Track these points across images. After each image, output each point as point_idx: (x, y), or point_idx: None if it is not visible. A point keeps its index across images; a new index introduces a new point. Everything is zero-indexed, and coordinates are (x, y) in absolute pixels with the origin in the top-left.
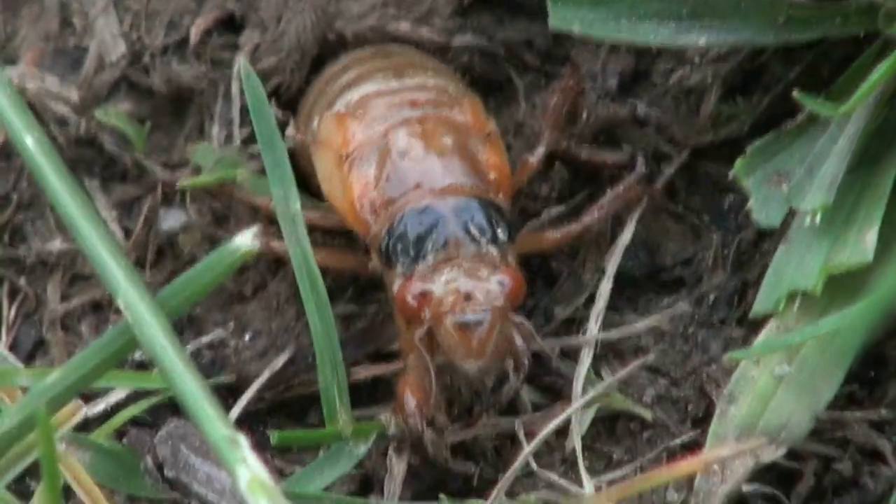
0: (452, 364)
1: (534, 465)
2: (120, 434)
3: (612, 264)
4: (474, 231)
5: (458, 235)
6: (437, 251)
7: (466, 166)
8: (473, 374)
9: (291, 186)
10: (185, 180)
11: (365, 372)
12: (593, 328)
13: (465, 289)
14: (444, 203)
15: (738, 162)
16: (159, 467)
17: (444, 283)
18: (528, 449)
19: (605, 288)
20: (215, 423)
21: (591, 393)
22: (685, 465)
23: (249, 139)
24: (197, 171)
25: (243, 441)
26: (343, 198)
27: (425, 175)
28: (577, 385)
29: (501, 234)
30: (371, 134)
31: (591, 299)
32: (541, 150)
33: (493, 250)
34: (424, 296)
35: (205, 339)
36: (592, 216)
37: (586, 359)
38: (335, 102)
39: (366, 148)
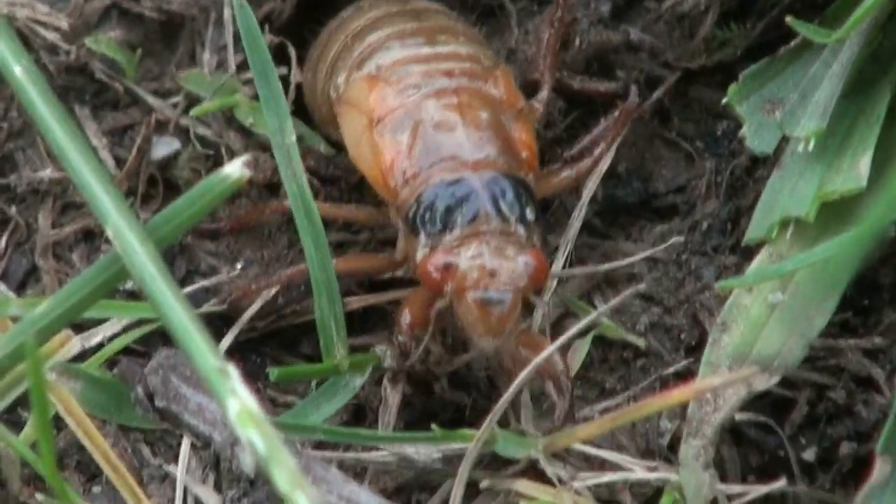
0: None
1: (526, 396)
2: (111, 364)
3: (588, 189)
4: (504, 208)
5: (487, 210)
6: (466, 224)
7: (500, 142)
8: (488, 352)
9: (287, 119)
10: (194, 109)
11: (358, 302)
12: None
13: (491, 266)
14: (476, 176)
15: (732, 88)
16: (150, 397)
17: (469, 258)
18: (519, 378)
19: (578, 218)
20: (205, 353)
21: (584, 321)
22: (677, 394)
23: (243, 66)
24: (189, 98)
25: (233, 372)
26: (373, 163)
27: (459, 147)
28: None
29: (530, 213)
30: (405, 101)
31: (585, 228)
32: (544, 95)
33: (521, 229)
34: (448, 268)
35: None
36: (600, 149)
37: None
38: (365, 64)
39: (399, 114)
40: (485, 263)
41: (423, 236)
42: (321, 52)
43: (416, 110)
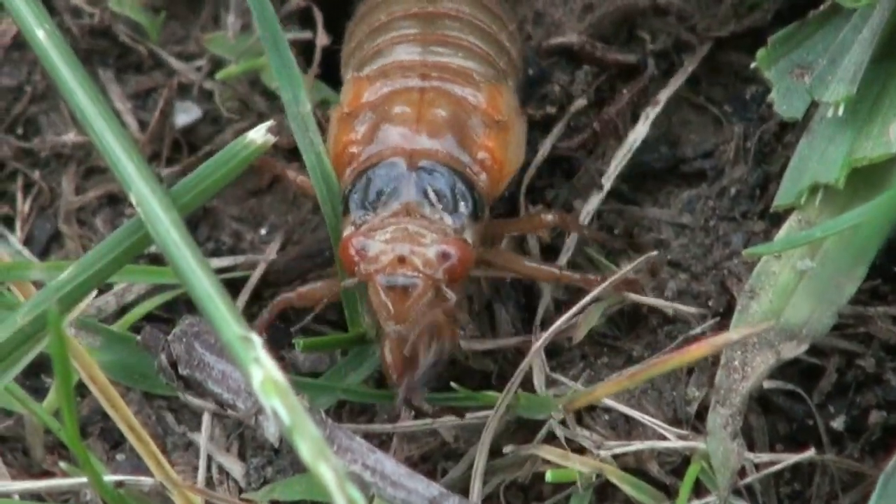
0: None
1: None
2: (135, 331)
3: (616, 160)
4: (432, 196)
5: (414, 196)
6: (390, 208)
7: (453, 139)
8: (393, 338)
9: (300, 88)
10: (219, 73)
11: None
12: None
13: (401, 251)
14: (411, 162)
15: (761, 52)
16: (173, 365)
17: (382, 241)
18: (539, 341)
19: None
20: (228, 321)
21: (607, 282)
22: (697, 349)
23: None
24: (213, 61)
25: (257, 340)
26: (331, 151)
27: (406, 137)
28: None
29: (463, 206)
30: (374, 97)
31: (610, 193)
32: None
33: (450, 220)
34: (361, 250)
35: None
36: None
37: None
38: (366, 66)
39: (366, 108)
40: (395, 248)
41: (351, 216)
42: (351, 31)
43: (381, 105)
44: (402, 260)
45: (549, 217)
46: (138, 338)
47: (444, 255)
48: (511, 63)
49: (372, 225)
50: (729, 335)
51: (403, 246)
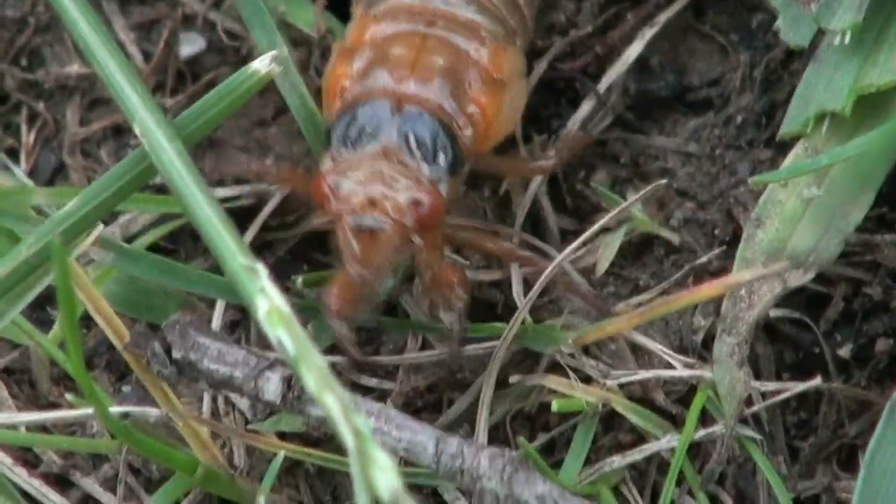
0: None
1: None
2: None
3: (609, 76)
4: (412, 143)
5: (394, 139)
6: (368, 147)
7: (444, 89)
8: (356, 280)
9: (275, 34)
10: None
11: None
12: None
13: (372, 193)
14: (397, 105)
15: None
16: (167, 350)
17: (355, 181)
18: (548, 269)
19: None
20: (233, 252)
21: (615, 210)
22: (708, 289)
23: None
24: None
25: (262, 270)
26: (326, 82)
27: (398, 80)
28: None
29: (442, 158)
30: (376, 36)
31: (617, 121)
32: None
33: (427, 169)
34: (335, 187)
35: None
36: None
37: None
38: (372, 6)
39: (366, 46)
40: (367, 190)
41: (331, 149)
42: None
43: (381, 44)
44: (372, 203)
45: (547, 163)
46: (128, 338)
47: (416, 203)
48: (523, 22)
49: (349, 163)
50: (741, 275)
51: (376, 188)
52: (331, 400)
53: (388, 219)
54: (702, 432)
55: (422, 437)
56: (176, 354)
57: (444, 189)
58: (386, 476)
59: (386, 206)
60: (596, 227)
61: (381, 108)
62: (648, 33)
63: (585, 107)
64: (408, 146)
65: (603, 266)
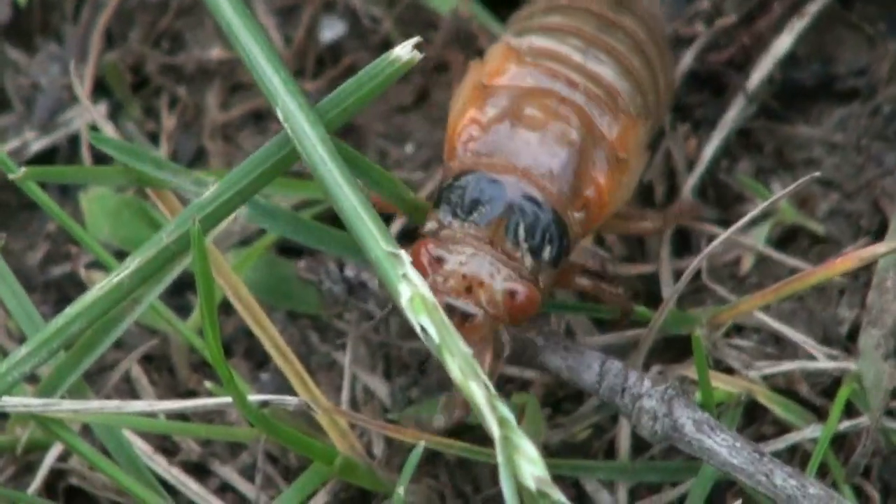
0: None
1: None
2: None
3: (760, 70)
4: (521, 233)
5: (504, 225)
6: (476, 224)
7: (569, 168)
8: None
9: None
10: None
11: None
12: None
13: (471, 280)
14: (516, 188)
15: None
16: (340, 268)
17: (457, 263)
18: (698, 259)
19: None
20: (376, 238)
21: (764, 203)
22: (841, 263)
23: None
24: None
25: (405, 257)
26: (456, 115)
27: (524, 151)
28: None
29: (547, 252)
30: (515, 84)
31: (762, 111)
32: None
33: (529, 260)
34: (435, 261)
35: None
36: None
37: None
38: (523, 35)
39: (504, 91)
40: (466, 273)
41: (439, 211)
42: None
43: (518, 97)
44: (469, 289)
45: (653, 226)
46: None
47: (511, 293)
48: (657, 105)
49: (454, 237)
50: (876, 248)
51: (475, 275)
52: (475, 388)
53: (479, 308)
54: (846, 424)
55: (587, 356)
56: (349, 273)
57: (543, 279)
58: (532, 466)
59: (481, 296)
60: (746, 218)
61: (501, 188)
62: (798, 25)
63: (735, 105)
64: (516, 236)
65: (749, 262)
